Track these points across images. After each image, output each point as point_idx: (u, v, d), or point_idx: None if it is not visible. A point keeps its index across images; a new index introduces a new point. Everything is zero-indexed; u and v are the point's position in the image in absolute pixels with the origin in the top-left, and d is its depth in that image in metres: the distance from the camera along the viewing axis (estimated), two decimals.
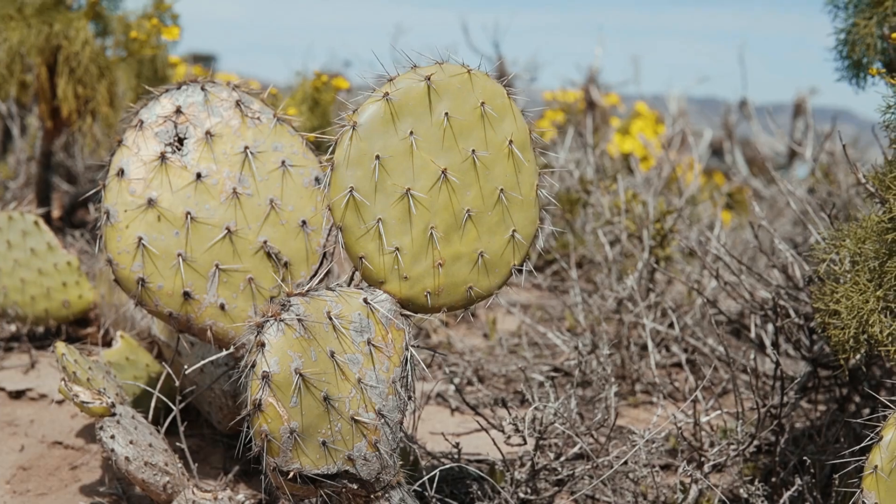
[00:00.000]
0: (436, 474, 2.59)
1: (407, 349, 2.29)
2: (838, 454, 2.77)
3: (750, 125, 7.39)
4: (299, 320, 2.12)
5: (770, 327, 3.61)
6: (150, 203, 2.58)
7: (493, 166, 2.36)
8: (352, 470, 2.22)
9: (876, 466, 2.17)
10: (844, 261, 2.57)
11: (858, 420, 2.72)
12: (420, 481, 2.54)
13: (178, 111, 2.65)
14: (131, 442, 2.57)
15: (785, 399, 2.81)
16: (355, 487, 2.25)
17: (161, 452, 2.62)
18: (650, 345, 3.24)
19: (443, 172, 2.30)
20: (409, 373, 2.30)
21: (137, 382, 2.99)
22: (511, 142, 2.37)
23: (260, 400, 2.07)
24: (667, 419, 2.88)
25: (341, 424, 2.19)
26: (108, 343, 3.55)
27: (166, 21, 4.35)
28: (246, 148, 2.65)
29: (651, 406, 3.51)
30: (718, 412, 2.93)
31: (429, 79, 2.30)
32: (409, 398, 2.32)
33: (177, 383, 2.73)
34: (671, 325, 3.79)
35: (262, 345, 2.09)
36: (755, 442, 2.75)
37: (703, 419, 2.90)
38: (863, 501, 2.17)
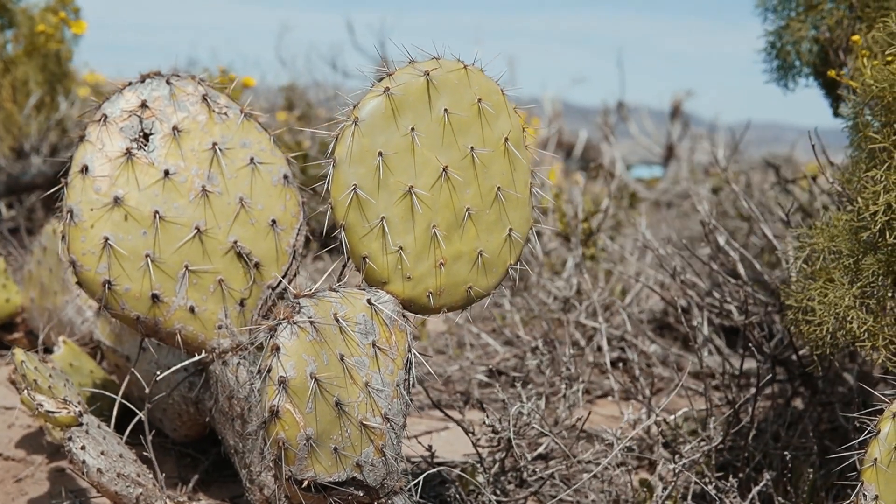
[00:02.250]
0: (420, 480, 2.53)
1: (409, 351, 2.24)
2: (800, 449, 2.84)
3: (627, 126, 7.54)
4: (311, 323, 2.05)
5: (697, 322, 3.67)
6: (117, 201, 2.44)
7: (491, 164, 2.32)
8: (359, 476, 2.15)
9: (875, 459, 2.21)
10: (816, 259, 2.62)
11: (854, 416, 2.78)
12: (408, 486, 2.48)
13: (144, 105, 2.52)
14: (102, 453, 2.43)
15: (743, 396, 2.86)
16: (360, 494, 2.18)
17: (131, 463, 2.49)
18: (604, 344, 3.25)
19: (444, 170, 2.25)
20: (412, 375, 2.24)
21: (83, 389, 2.84)
22: (507, 139, 2.34)
23: (277, 406, 1.99)
24: (636, 418, 2.88)
25: (351, 430, 2.12)
26: (38, 349, 3.36)
27: (69, 15, 4.15)
28: (214, 144, 2.54)
29: (592, 404, 3.52)
30: (686, 409, 2.96)
31: (428, 74, 2.25)
32: (410, 402, 2.26)
33: (148, 389, 2.60)
34: (616, 325, 3.81)
35: (278, 348, 2.00)
36: (718, 439, 2.78)
37: (671, 417, 2.92)
38: (863, 494, 2.21)
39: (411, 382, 2.25)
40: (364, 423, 2.13)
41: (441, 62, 2.29)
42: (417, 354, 2.23)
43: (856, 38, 2.75)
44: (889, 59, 2.60)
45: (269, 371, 2.00)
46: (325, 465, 2.09)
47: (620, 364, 3.68)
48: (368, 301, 2.19)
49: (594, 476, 2.76)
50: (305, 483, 2.06)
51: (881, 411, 2.24)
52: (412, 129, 2.23)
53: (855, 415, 2.41)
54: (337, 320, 2.11)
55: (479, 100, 2.30)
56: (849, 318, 2.51)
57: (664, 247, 3.58)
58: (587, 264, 4.08)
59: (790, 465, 2.59)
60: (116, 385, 2.93)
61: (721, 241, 3.25)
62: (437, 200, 2.26)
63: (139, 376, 2.71)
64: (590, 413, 2.82)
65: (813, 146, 2.92)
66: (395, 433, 2.21)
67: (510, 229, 2.36)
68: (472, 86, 2.31)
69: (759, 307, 3.13)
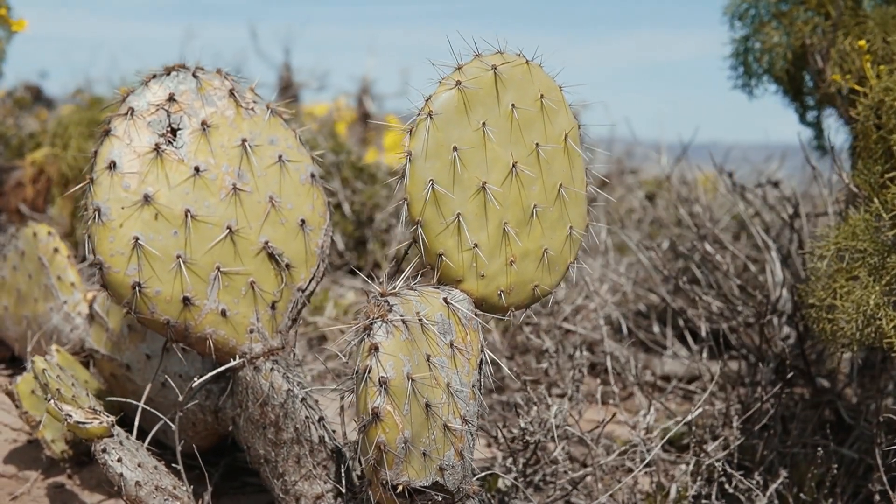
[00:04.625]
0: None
1: (482, 351, 2.18)
2: (808, 447, 2.88)
3: None
4: (404, 322, 1.97)
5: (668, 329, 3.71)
6: (147, 199, 2.31)
7: (553, 161, 2.29)
8: (441, 480, 2.08)
9: None
10: (839, 258, 2.67)
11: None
12: None
13: (171, 99, 2.40)
14: (139, 465, 2.29)
15: (756, 396, 2.89)
16: (439, 499, 2.11)
17: (166, 475, 2.35)
18: (607, 346, 3.24)
19: (513, 166, 2.21)
20: (483, 376, 2.18)
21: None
22: (567, 136, 2.31)
23: (379, 407, 1.91)
24: (646, 422, 2.88)
25: (436, 433, 2.05)
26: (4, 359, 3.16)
27: None
28: (244, 141, 2.43)
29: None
30: (706, 408, 2.97)
31: (496, 68, 2.20)
32: (483, 404, 2.20)
33: (148, 400, 2.46)
34: (590, 329, 3.81)
35: (376, 348, 1.92)
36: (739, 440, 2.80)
37: (689, 417, 2.93)
38: None
39: (482, 383, 2.19)
40: (447, 425, 2.07)
41: (505, 56, 2.25)
42: (491, 354, 2.18)
43: (862, 42, 2.81)
44: None
45: (368, 371, 1.91)
46: (417, 469, 2.01)
47: (595, 368, 3.68)
48: (445, 300, 2.12)
49: (618, 480, 2.75)
50: (400, 488, 1.98)
51: None
52: (483, 123, 2.17)
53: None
54: (420, 320, 2.04)
55: (542, 96, 2.27)
56: (877, 316, 2.56)
57: (655, 251, 3.60)
58: None
59: (818, 460, 2.62)
60: (111, 396, 2.77)
61: (708, 248, 3.29)
62: (508, 197, 2.21)
63: (170, 381, 2.56)
64: (614, 415, 2.80)
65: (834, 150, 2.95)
66: (472, 435, 2.14)
67: (570, 227, 2.33)
68: (535, 81, 2.27)
69: (750, 310, 3.17)
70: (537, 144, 2.25)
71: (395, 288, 2.05)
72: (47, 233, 3.00)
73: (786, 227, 3.63)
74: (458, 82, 2.16)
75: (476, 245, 2.17)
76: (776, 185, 3.66)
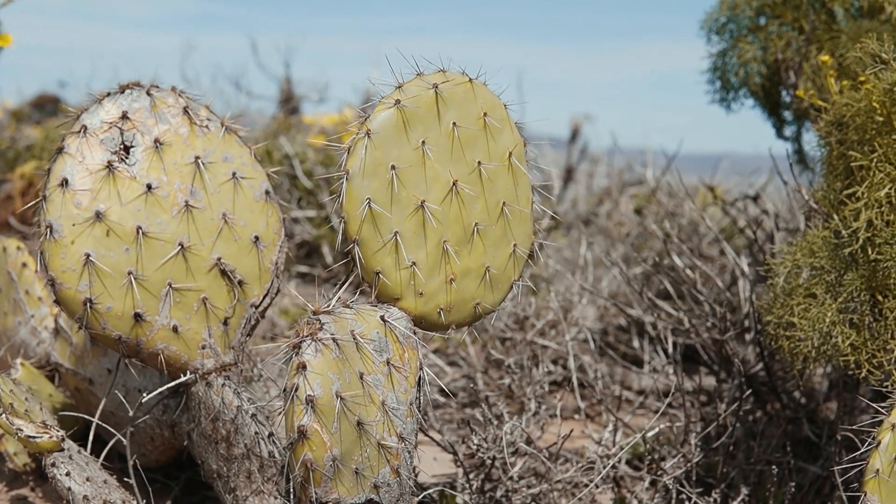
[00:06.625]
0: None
1: (421, 369, 2.19)
2: (771, 464, 2.87)
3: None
4: (334, 340, 1.98)
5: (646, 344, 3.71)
6: (98, 216, 2.33)
7: (497, 179, 2.30)
8: (376, 498, 2.09)
9: (877, 470, 2.25)
10: (797, 274, 2.66)
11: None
12: None
13: (125, 117, 2.42)
14: (88, 479, 2.32)
15: (720, 411, 2.88)
16: None
17: (116, 489, 2.38)
18: (572, 363, 3.25)
19: (454, 184, 2.22)
20: (422, 394, 2.20)
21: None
22: (511, 154, 2.32)
23: (305, 426, 1.92)
24: (601, 437, 2.88)
25: (370, 450, 2.06)
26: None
27: None
28: (197, 158, 2.45)
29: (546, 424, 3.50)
30: (665, 425, 2.97)
31: (437, 86, 2.22)
32: (421, 420, 2.21)
33: (132, 412, 2.48)
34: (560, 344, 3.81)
35: (304, 366, 1.94)
36: (698, 455, 2.80)
37: (648, 435, 2.92)
38: None
39: (422, 401, 2.20)
40: (382, 443, 2.08)
41: (447, 75, 2.26)
42: (429, 372, 2.19)
43: (825, 58, 2.81)
44: (862, 79, 2.66)
45: (295, 389, 1.93)
46: (348, 487, 2.02)
47: (567, 383, 3.68)
48: (382, 318, 2.14)
49: (579, 498, 2.75)
50: None
51: (880, 422, 2.29)
52: (423, 142, 2.19)
53: (851, 428, 2.44)
54: (354, 338, 2.05)
55: (485, 114, 2.28)
56: (833, 334, 2.55)
57: (619, 265, 3.59)
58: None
59: (775, 478, 2.61)
60: (76, 409, 2.80)
61: (678, 261, 3.28)
62: (448, 215, 2.22)
63: (120, 397, 2.59)
64: (571, 431, 2.80)
65: (791, 166, 2.96)
66: (409, 453, 2.15)
67: (514, 245, 2.34)
68: (478, 100, 2.28)
69: (718, 325, 3.16)
70: (479, 162, 2.26)
71: (328, 306, 2.06)
72: (16, 247, 3.04)
73: (767, 241, 3.61)
74: (398, 101, 2.17)
75: (414, 263, 2.18)
76: (755, 199, 3.65)
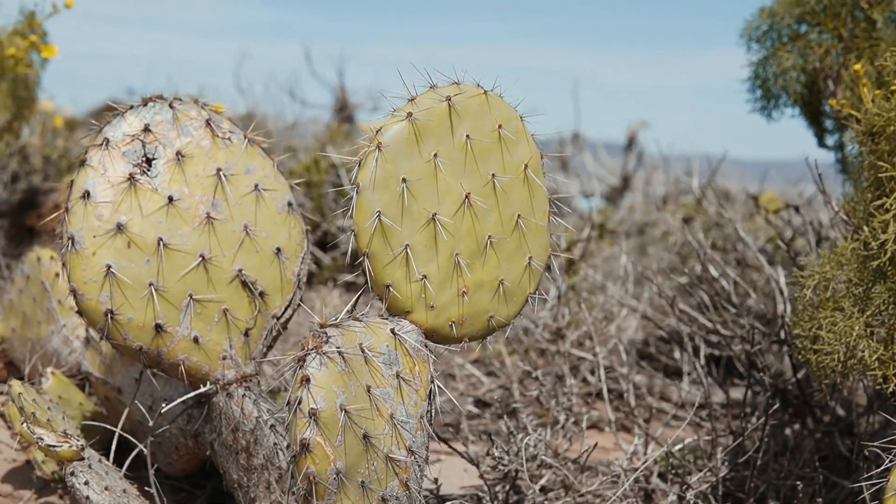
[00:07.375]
0: None
1: (432, 382, 2.18)
2: (801, 479, 2.82)
3: (582, 159, 7.57)
4: (340, 353, 1.99)
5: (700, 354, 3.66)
6: (120, 228, 2.36)
7: (511, 191, 2.29)
8: None
9: None
10: (825, 287, 2.61)
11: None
12: None
13: (147, 129, 2.45)
14: (106, 488, 2.34)
15: (742, 426, 2.83)
16: None
17: (135, 498, 2.41)
18: (602, 374, 3.22)
19: (466, 197, 2.21)
20: (433, 407, 2.19)
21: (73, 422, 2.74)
22: (527, 166, 2.31)
23: (308, 439, 1.93)
24: (633, 449, 2.85)
25: (377, 463, 2.06)
26: (35, 381, 3.25)
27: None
28: (219, 170, 2.48)
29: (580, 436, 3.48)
30: (691, 439, 2.93)
31: (450, 99, 2.21)
32: (433, 434, 2.21)
33: (151, 422, 2.51)
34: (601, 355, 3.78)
35: (308, 379, 1.94)
36: (725, 470, 2.76)
37: (675, 448, 2.89)
38: None
39: (433, 414, 2.19)
40: (390, 456, 2.08)
41: (461, 87, 2.25)
42: (440, 385, 2.18)
43: (857, 67, 2.75)
44: (893, 88, 2.61)
45: (299, 403, 1.93)
46: (353, 500, 2.02)
47: (607, 395, 3.65)
48: (392, 331, 2.13)
49: None
50: None
51: None
52: (435, 155, 2.18)
53: (875, 444, 2.38)
54: (362, 350, 2.05)
55: (500, 126, 2.27)
56: (860, 348, 2.50)
57: (653, 277, 3.56)
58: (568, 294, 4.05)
59: (800, 494, 2.56)
60: (106, 418, 2.84)
61: (713, 271, 3.24)
62: (460, 228, 2.22)
63: (141, 408, 2.62)
64: (595, 444, 2.78)
65: (820, 175, 2.91)
66: (419, 466, 2.15)
67: (530, 258, 2.32)
68: (493, 112, 2.27)
69: (755, 336, 3.12)
70: (493, 175, 2.25)
71: (336, 318, 2.07)
72: (50, 257, 3.09)
73: (811, 253, 3.56)
74: (410, 114, 2.17)
75: (424, 276, 2.18)
76: (797, 209, 3.60)
